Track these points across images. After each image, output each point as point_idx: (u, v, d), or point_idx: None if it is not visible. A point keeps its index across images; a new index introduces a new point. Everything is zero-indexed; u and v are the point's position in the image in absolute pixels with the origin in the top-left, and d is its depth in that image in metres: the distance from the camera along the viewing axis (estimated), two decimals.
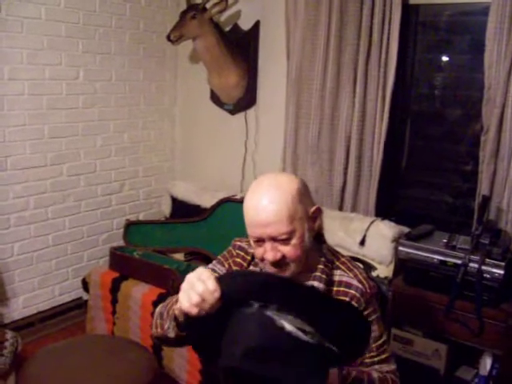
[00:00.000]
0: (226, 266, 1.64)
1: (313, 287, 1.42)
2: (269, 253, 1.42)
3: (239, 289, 1.23)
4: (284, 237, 1.40)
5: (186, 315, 1.26)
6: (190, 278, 1.24)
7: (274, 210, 1.39)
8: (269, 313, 1.17)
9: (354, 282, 1.50)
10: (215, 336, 1.23)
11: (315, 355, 1.17)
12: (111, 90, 3.60)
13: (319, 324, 1.18)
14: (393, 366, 1.51)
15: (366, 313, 1.49)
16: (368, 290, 1.52)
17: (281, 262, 1.44)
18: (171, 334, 1.40)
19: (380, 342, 1.50)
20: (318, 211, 1.52)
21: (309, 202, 1.48)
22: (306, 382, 1.15)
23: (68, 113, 3.37)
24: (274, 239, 1.41)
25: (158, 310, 1.54)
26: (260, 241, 1.44)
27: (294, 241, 1.42)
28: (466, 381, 2.65)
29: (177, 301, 1.33)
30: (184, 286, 1.24)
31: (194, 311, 1.20)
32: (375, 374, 1.43)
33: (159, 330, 1.47)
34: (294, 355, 1.16)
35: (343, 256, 1.61)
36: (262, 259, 1.46)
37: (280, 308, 1.18)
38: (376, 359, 1.47)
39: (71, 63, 3.33)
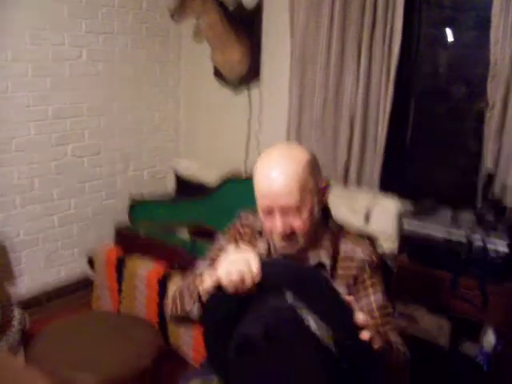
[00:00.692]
0: (233, 241, 1.64)
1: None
2: (278, 225, 1.42)
3: (275, 278, 1.22)
4: (294, 208, 1.40)
5: (213, 293, 1.27)
6: (235, 255, 1.25)
7: (285, 181, 1.38)
8: (299, 308, 1.16)
9: (360, 253, 1.51)
10: (234, 320, 1.22)
11: (329, 362, 1.15)
12: (114, 70, 3.59)
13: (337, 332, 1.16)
14: (399, 338, 1.49)
15: (371, 281, 1.49)
16: (374, 260, 1.52)
17: (290, 235, 1.44)
18: (194, 315, 1.41)
19: (385, 311, 1.49)
20: (328, 185, 1.52)
21: (319, 176, 1.48)
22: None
23: (72, 94, 3.37)
24: (283, 211, 1.41)
25: (175, 291, 1.54)
26: (269, 213, 1.43)
27: (303, 213, 1.42)
28: (470, 356, 2.66)
29: (201, 281, 1.35)
30: (226, 261, 1.25)
31: (229, 288, 1.21)
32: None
33: (179, 310, 1.48)
34: (310, 354, 1.14)
35: (349, 229, 1.62)
36: (271, 231, 1.46)
37: (309, 306, 1.16)
38: (381, 329, 1.44)
39: (74, 43, 3.31)
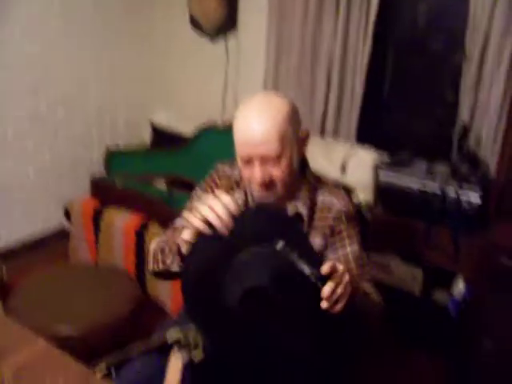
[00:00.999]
0: (209, 191, 1.63)
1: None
2: (257, 173, 1.41)
3: (260, 225, 1.23)
4: (274, 157, 1.39)
5: (193, 242, 1.28)
6: (204, 201, 1.27)
7: (266, 130, 1.37)
8: (291, 254, 1.15)
9: (336, 203, 1.51)
10: (218, 269, 1.21)
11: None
12: (87, 18, 3.48)
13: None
14: (374, 288, 1.52)
15: (347, 232, 1.50)
16: (351, 210, 1.54)
17: (268, 183, 1.43)
18: (175, 268, 1.42)
19: (361, 261, 1.52)
20: (307, 135, 1.52)
21: (298, 125, 1.47)
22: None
23: (43, 42, 3.26)
24: (263, 160, 1.40)
25: (155, 245, 1.55)
26: (249, 162, 1.42)
27: (282, 162, 1.41)
28: (440, 303, 2.75)
29: (180, 233, 1.35)
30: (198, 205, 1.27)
31: (203, 227, 1.23)
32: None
33: (160, 265, 1.48)
34: (308, 297, 1.15)
35: (326, 180, 1.63)
36: (250, 180, 1.46)
37: (300, 253, 1.16)
38: (357, 279, 1.48)
39: None
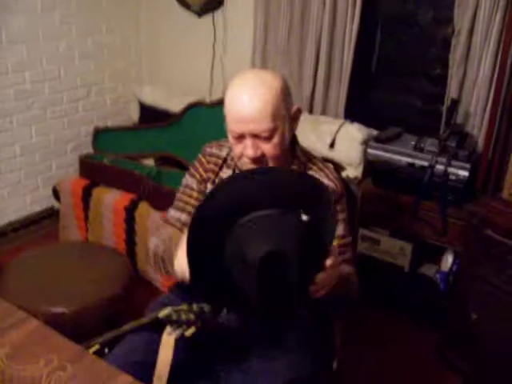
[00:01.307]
0: (198, 176, 1.63)
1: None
2: (249, 149, 1.41)
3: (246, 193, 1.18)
4: (266, 134, 1.39)
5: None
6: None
7: (259, 106, 1.37)
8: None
9: (325, 181, 1.51)
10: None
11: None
12: None
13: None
14: (354, 268, 1.55)
15: (335, 209, 1.51)
16: (338, 189, 1.55)
17: (260, 160, 1.43)
18: (178, 277, 1.42)
19: (344, 241, 1.54)
20: (299, 111, 1.51)
21: (290, 101, 1.47)
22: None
23: (26, 17, 3.20)
24: (255, 136, 1.40)
25: (154, 247, 1.56)
26: (240, 137, 1.42)
27: (275, 139, 1.41)
28: (429, 276, 2.79)
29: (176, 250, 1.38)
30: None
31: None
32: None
33: (164, 272, 1.53)
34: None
35: (315, 157, 1.63)
36: (241, 156, 1.46)
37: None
38: (339, 257, 1.49)
39: None
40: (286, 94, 1.43)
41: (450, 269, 2.70)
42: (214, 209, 1.15)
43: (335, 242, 1.50)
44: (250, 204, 1.15)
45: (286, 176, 1.26)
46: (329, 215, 1.21)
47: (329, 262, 1.21)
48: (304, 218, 1.15)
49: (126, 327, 1.26)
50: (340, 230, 1.52)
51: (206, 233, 1.15)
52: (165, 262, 1.48)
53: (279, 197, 1.16)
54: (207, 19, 3.56)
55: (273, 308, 1.24)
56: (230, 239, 1.16)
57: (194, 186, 1.63)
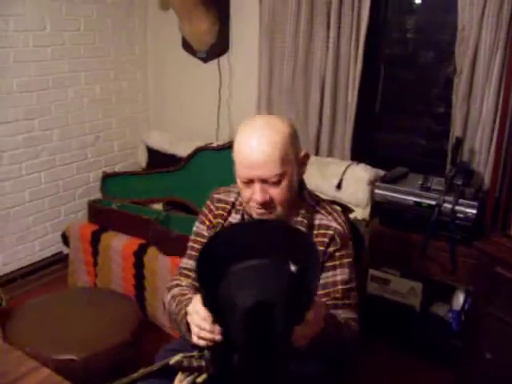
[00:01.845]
0: (208, 223, 1.64)
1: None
2: (258, 194, 1.41)
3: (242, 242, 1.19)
4: (274, 179, 1.40)
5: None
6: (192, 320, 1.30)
7: (268, 151, 1.38)
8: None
9: (333, 224, 1.52)
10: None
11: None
12: (80, 40, 3.50)
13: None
14: (355, 315, 1.52)
15: (339, 253, 1.51)
16: (346, 232, 1.54)
17: (268, 204, 1.44)
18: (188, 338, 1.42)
19: (347, 286, 1.51)
20: (306, 157, 1.53)
21: (299, 147, 1.48)
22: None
23: (37, 65, 3.28)
24: (263, 181, 1.41)
25: (167, 304, 1.58)
26: (249, 182, 1.43)
27: (283, 183, 1.42)
28: (440, 316, 2.76)
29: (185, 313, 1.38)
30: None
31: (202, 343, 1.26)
32: (340, 318, 1.45)
33: (176, 330, 1.56)
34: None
35: (323, 200, 1.64)
36: (249, 201, 1.47)
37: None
38: (340, 302, 1.49)
39: (36, 13, 3.21)
40: (294, 138, 1.45)
41: (462, 307, 2.67)
42: (213, 251, 1.17)
43: (339, 287, 1.50)
44: (244, 250, 1.16)
45: (280, 228, 1.27)
46: (315, 269, 1.20)
47: (310, 315, 1.17)
48: (292, 268, 1.15)
49: (137, 374, 1.25)
50: (344, 274, 1.51)
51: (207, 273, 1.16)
52: (177, 322, 1.50)
53: (271, 246, 1.17)
54: (213, 65, 3.63)
55: (259, 356, 1.22)
56: (223, 284, 1.16)
57: (205, 233, 1.64)
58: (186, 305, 1.40)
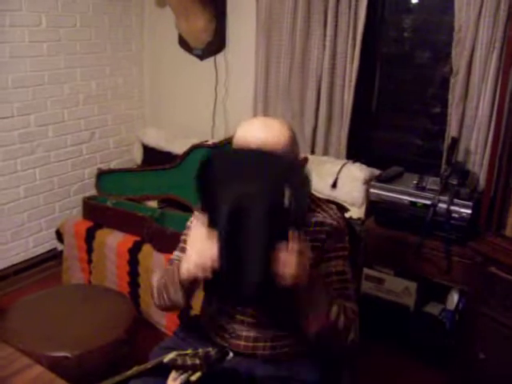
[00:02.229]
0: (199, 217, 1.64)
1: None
2: None
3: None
4: None
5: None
6: (191, 247, 1.34)
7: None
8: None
9: (328, 220, 1.52)
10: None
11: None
12: (76, 36, 3.49)
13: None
14: (354, 306, 1.51)
15: (334, 246, 1.51)
16: (341, 226, 1.55)
17: None
18: (180, 299, 1.45)
19: (343, 277, 1.52)
20: (305, 160, 1.53)
21: (297, 149, 1.49)
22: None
23: (32, 61, 3.27)
24: None
25: (156, 282, 1.58)
26: None
27: None
28: (434, 315, 2.76)
29: (178, 270, 1.41)
30: (186, 255, 1.36)
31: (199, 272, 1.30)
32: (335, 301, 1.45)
33: (167, 300, 1.51)
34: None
35: (319, 199, 1.64)
36: None
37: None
38: (336, 293, 1.48)
39: (32, 9, 3.20)
40: (293, 141, 1.45)
41: (456, 307, 2.68)
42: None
43: (334, 276, 1.50)
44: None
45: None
46: (302, 191, 1.26)
47: (295, 241, 1.22)
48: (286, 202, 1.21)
49: (131, 372, 1.25)
50: (339, 265, 1.52)
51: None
52: (168, 287, 1.49)
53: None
54: (209, 62, 3.63)
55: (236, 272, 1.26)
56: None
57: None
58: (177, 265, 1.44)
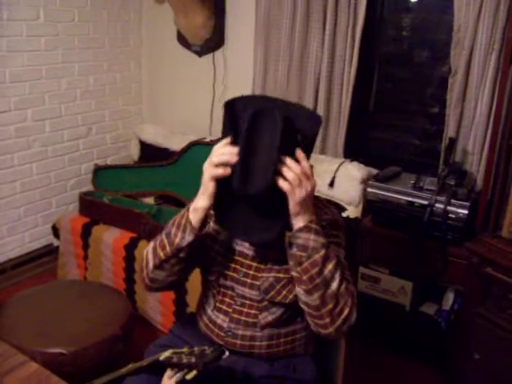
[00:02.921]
0: None
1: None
2: None
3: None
4: None
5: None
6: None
7: None
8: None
9: (325, 216, 1.53)
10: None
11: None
12: (74, 31, 3.48)
13: None
14: (353, 288, 1.44)
15: (330, 234, 1.50)
16: (337, 220, 1.56)
17: None
18: (188, 240, 1.41)
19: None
20: (311, 168, 1.51)
21: None
22: None
23: (30, 55, 3.26)
24: None
25: (153, 241, 1.53)
26: None
27: None
28: (430, 315, 2.77)
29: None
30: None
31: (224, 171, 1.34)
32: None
33: (168, 249, 1.44)
34: None
35: (317, 197, 1.64)
36: None
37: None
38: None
39: (30, 3, 3.19)
40: None
41: (451, 307, 2.68)
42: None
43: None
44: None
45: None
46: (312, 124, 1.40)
47: (301, 161, 1.33)
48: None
49: (126, 369, 1.25)
50: (335, 251, 1.44)
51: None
52: (169, 235, 1.45)
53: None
54: (207, 59, 3.62)
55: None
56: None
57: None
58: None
